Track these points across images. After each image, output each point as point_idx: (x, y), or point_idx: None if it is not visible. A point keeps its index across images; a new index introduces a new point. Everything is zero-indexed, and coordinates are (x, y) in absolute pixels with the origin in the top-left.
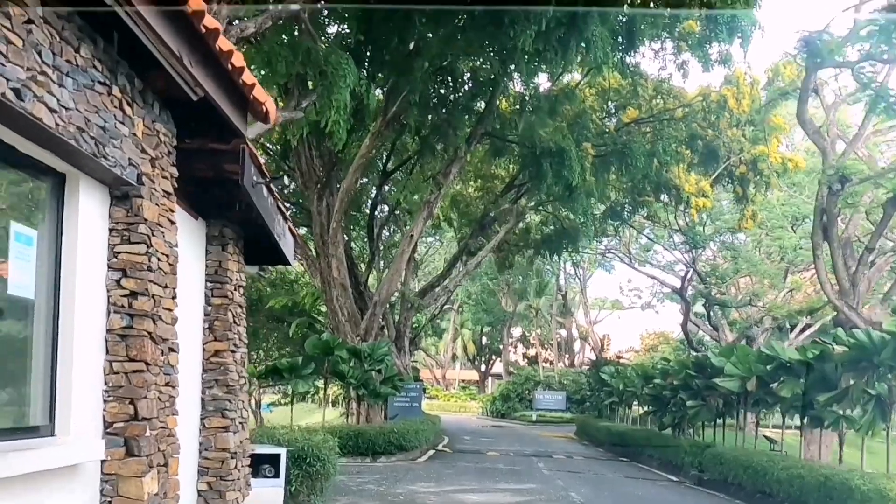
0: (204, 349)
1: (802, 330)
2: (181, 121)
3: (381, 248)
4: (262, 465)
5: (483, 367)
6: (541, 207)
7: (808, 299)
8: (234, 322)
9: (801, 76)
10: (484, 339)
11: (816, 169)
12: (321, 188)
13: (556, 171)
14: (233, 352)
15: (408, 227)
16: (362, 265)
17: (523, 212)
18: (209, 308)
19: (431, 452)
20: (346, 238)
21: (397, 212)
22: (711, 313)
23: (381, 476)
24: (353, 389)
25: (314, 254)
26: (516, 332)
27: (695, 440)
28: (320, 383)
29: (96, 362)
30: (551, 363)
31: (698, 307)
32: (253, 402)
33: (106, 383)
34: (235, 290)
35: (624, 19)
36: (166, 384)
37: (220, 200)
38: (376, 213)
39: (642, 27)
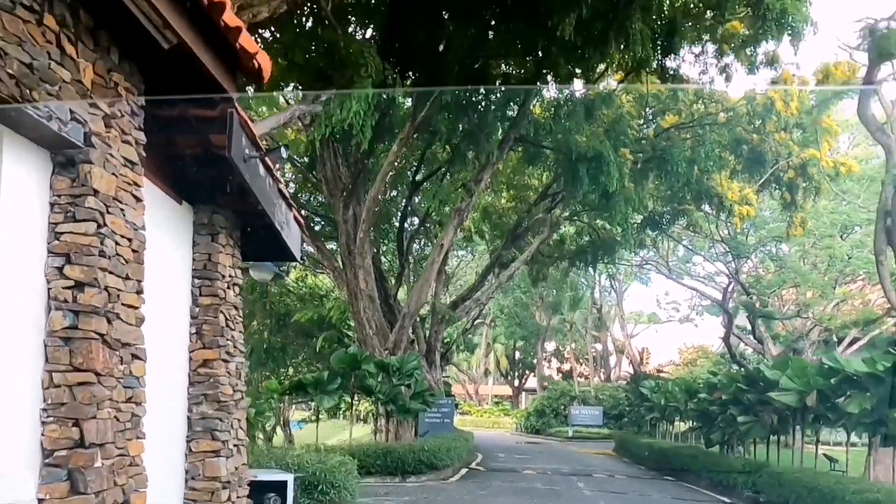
0: (191, 358)
1: (850, 343)
2: (157, 82)
3: (412, 260)
4: (266, 493)
5: (516, 383)
6: (575, 217)
7: (856, 311)
8: (228, 326)
9: (853, 76)
10: (517, 354)
11: (866, 176)
12: (347, 196)
13: (592, 176)
14: (226, 361)
15: (438, 238)
16: (392, 279)
17: (557, 222)
18: (196, 309)
19: (464, 471)
20: (375, 250)
21: (427, 224)
22: (756, 326)
23: (411, 498)
24: (382, 405)
25: (341, 265)
26: (550, 346)
27: (746, 459)
28: (350, 399)
29: (32, 373)
30: (586, 378)
31: (740, 320)
32: (282, 419)
33: (45, 399)
34: (229, 288)
35: (665, 19)
36: (127, 400)
37: (209, 181)
38: (406, 225)
39: (683, 28)
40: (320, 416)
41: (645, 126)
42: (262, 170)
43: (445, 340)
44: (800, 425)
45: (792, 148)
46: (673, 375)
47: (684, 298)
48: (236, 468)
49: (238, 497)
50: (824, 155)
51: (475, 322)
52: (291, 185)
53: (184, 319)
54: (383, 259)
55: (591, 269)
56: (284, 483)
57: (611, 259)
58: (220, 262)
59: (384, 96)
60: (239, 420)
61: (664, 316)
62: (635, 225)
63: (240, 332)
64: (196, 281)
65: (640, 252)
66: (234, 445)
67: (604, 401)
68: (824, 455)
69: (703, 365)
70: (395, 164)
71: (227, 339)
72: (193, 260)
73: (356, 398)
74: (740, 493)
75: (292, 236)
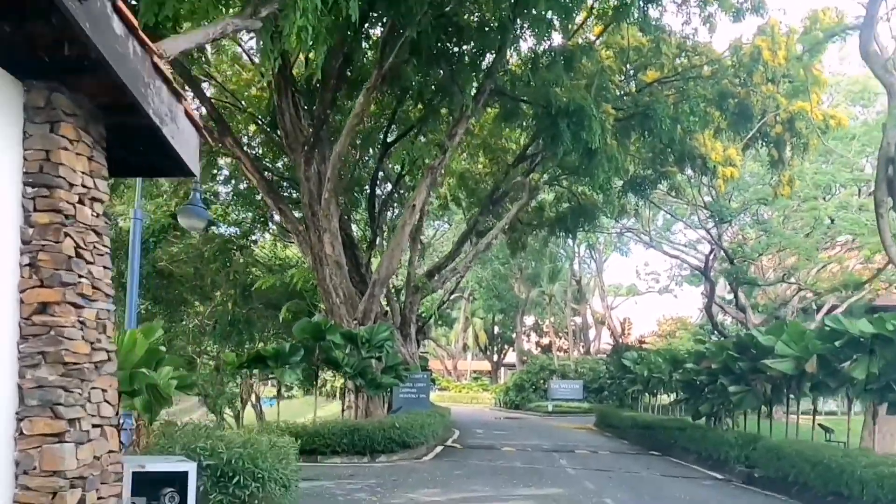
0: (21, 300)
1: (829, 311)
2: None
3: (385, 228)
4: (161, 488)
5: (495, 358)
6: (555, 182)
7: (835, 277)
8: (81, 257)
9: (840, 21)
10: (496, 329)
11: (848, 134)
12: (309, 151)
13: (573, 132)
14: (77, 306)
15: (410, 198)
16: (364, 247)
17: (537, 187)
18: (30, 231)
19: (440, 449)
20: (346, 216)
21: (401, 189)
22: (738, 294)
23: (378, 480)
24: (350, 379)
25: (304, 228)
26: (529, 320)
27: (738, 431)
28: (315, 373)
29: None
30: (566, 352)
31: (720, 289)
32: (252, 395)
33: None
34: (83, 203)
35: None
36: None
37: (39, 39)
38: (378, 191)
39: None
40: (295, 393)
41: (626, 82)
42: (118, 25)
43: (422, 313)
44: (795, 394)
45: (779, 101)
46: (657, 346)
47: (664, 269)
48: (98, 457)
49: (103, 497)
50: (814, 107)
51: (453, 295)
52: (256, 146)
53: (10, 244)
54: (355, 228)
55: (570, 239)
56: (185, 474)
57: (591, 226)
58: (64, 162)
59: (348, 35)
60: (104, 391)
61: (643, 287)
62: (617, 189)
63: (106, 268)
64: (28, 190)
65: (620, 221)
66: (95, 426)
67: (584, 374)
68: (820, 426)
69: (682, 336)
70: (363, 117)
71: (81, 276)
72: (25, 160)
73: (322, 372)
74: (732, 467)
75: (182, 139)
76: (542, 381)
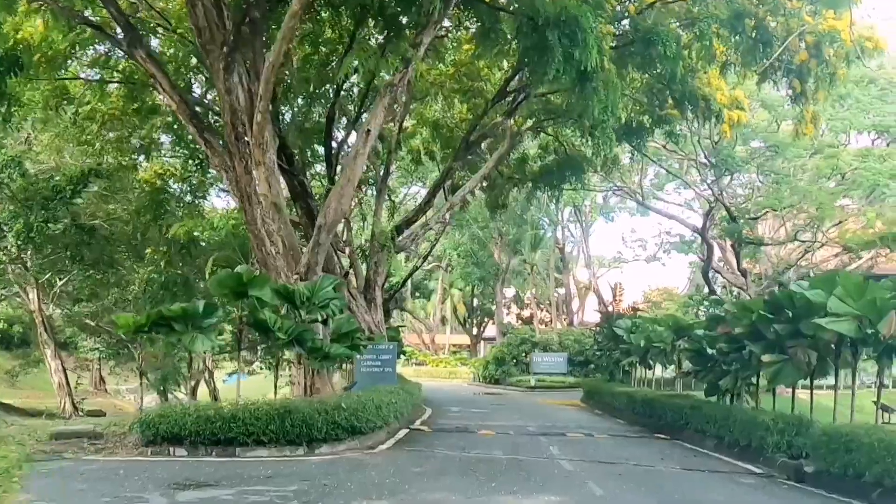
0: None
1: None
2: None
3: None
4: None
5: (475, 331)
6: (539, 128)
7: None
8: None
9: None
10: (475, 301)
11: (866, 77)
12: (230, 53)
13: (565, 49)
14: None
15: (364, 124)
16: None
17: (519, 133)
18: None
19: (403, 433)
20: (302, 165)
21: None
22: (740, 256)
23: (303, 485)
24: (285, 348)
25: (229, 154)
26: (509, 292)
27: (777, 411)
28: (238, 339)
29: None
30: (548, 324)
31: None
32: (204, 370)
33: None
34: None
35: None
36: None
37: None
38: (335, 131)
39: None
40: (257, 367)
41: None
42: None
43: (392, 279)
44: (853, 361)
45: (805, 20)
46: (651, 314)
47: (651, 235)
48: None
49: None
50: (847, 27)
51: (427, 262)
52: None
53: None
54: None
55: (555, 198)
56: None
57: (579, 180)
58: None
59: None
60: None
61: (630, 255)
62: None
63: None
64: None
65: (610, 175)
66: None
67: (568, 346)
68: (883, 406)
69: (669, 308)
70: (302, 17)
71: None
72: None
73: (243, 338)
74: (772, 458)
75: None
76: (523, 355)
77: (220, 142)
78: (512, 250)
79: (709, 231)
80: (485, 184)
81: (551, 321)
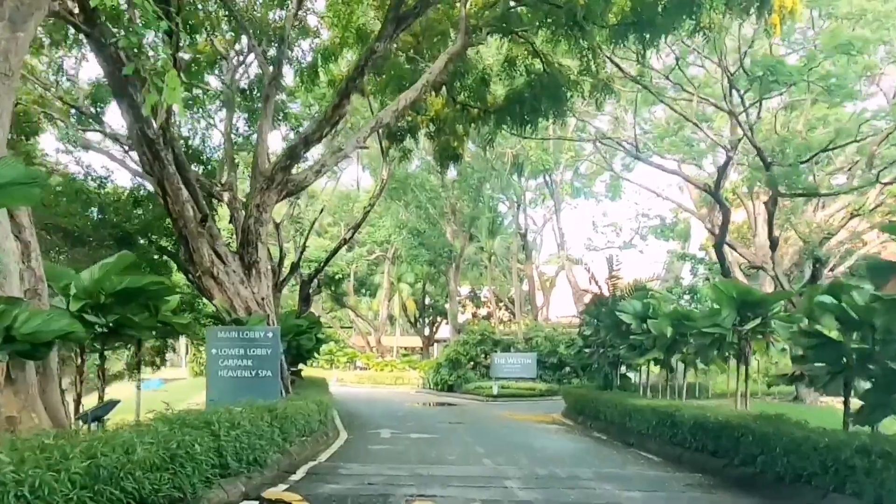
0: None
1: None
2: None
3: None
4: None
5: (426, 332)
6: (505, 25)
7: None
8: None
9: None
10: (427, 300)
11: None
12: None
13: None
14: None
15: None
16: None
17: (477, 27)
18: None
19: None
20: None
21: None
22: (773, 222)
23: None
24: None
25: None
26: (464, 290)
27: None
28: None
29: None
30: (507, 322)
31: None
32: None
33: None
34: None
35: None
36: None
37: None
38: None
39: None
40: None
41: None
42: None
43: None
44: None
45: None
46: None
47: (626, 218)
48: None
49: None
50: None
51: (356, 232)
52: None
53: None
54: None
55: (517, 174)
56: None
57: (558, 113)
58: None
59: None
60: None
61: (601, 242)
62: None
63: None
64: None
65: (601, 107)
66: None
67: (538, 346)
68: None
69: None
70: None
71: None
72: None
73: None
74: None
75: None
76: (482, 356)
77: None
78: (467, 233)
79: (721, 186)
80: (430, 128)
81: (511, 320)
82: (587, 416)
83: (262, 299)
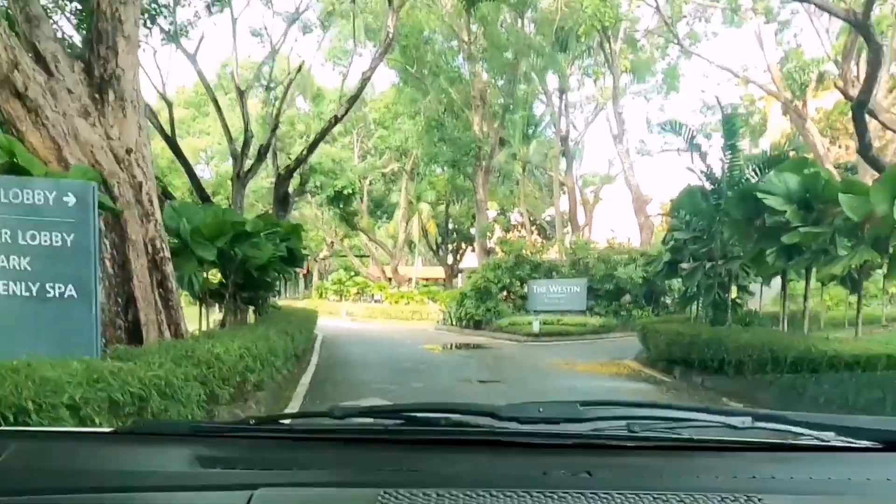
0: None
1: None
2: None
3: None
4: None
5: (450, 260)
6: None
7: None
8: None
9: None
10: (450, 223)
11: None
12: None
13: None
14: None
15: None
16: None
17: None
18: None
19: None
20: None
21: None
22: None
23: None
24: None
25: None
26: (491, 213)
27: None
28: None
29: None
30: (542, 249)
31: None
32: None
33: None
34: None
35: None
36: None
37: None
38: None
39: None
40: None
41: None
42: None
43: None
44: None
45: None
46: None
47: (691, 111)
48: None
49: None
50: None
51: (353, 106)
52: None
53: None
54: None
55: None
56: None
57: None
58: None
59: None
60: None
61: (657, 145)
62: None
63: None
64: None
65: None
66: None
67: (591, 268)
68: None
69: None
70: None
71: None
72: None
73: None
74: None
75: None
76: (518, 284)
77: None
78: (497, 127)
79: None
80: None
81: (543, 245)
82: (690, 367)
83: (129, 151)
